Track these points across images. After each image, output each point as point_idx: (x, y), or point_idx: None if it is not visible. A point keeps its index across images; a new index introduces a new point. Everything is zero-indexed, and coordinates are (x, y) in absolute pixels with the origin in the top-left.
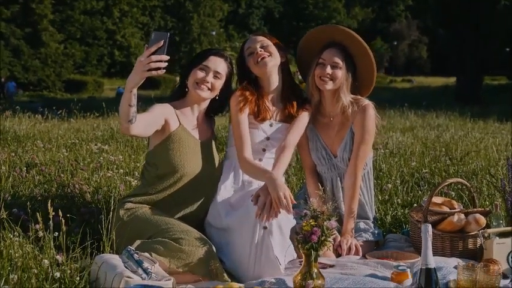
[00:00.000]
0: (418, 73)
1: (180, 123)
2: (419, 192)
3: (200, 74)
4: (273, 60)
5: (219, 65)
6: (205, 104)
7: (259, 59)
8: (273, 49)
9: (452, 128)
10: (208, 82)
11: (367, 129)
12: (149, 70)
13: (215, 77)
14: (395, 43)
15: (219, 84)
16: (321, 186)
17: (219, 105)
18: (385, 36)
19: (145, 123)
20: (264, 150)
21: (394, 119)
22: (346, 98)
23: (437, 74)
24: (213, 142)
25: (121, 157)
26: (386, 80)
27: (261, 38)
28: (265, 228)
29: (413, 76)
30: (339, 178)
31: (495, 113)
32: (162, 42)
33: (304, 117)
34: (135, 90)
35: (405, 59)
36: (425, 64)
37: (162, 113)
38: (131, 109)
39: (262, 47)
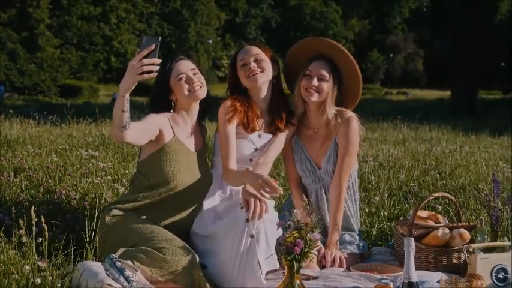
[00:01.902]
0: (413, 86)
1: (174, 135)
2: (406, 205)
3: (183, 83)
4: (264, 77)
5: (188, 65)
6: (196, 112)
7: (251, 75)
8: (267, 65)
9: (444, 141)
10: (194, 82)
11: (351, 141)
12: (141, 74)
13: (194, 74)
14: (392, 55)
15: (203, 78)
16: (305, 198)
17: (206, 104)
18: (382, 48)
19: (139, 132)
20: (251, 160)
21: (386, 131)
22: (331, 110)
23: (433, 87)
24: (205, 153)
25: (110, 164)
26: (381, 92)
27: (256, 50)
28: (252, 236)
29: (409, 89)
30: (323, 190)
31: (489, 127)
32: (153, 46)
33: (283, 136)
34: (127, 95)
35: (401, 72)
36: (421, 77)
37: (157, 123)
38: (124, 115)
39: (256, 61)
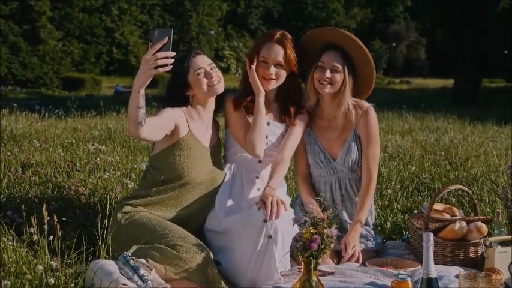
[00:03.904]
0: (416, 74)
1: (189, 129)
2: (419, 197)
3: (202, 77)
4: (278, 83)
5: (205, 60)
6: (212, 107)
7: (266, 77)
8: (284, 73)
9: (451, 131)
10: (213, 77)
11: (373, 131)
12: (156, 68)
13: (211, 69)
14: (394, 44)
15: (220, 73)
16: (322, 193)
17: (221, 99)
18: (384, 37)
19: (155, 127)
20: None
21: (392, 121)
22: (349, 101)
23: (435, 76)
24: (219, 147)
25: (118, 158)
26: (384, 81)
27: (280, 56)
28: (270, 237)
29: (412, 77)
30: (337, 182)
31: (494, 116)
32: (166, 39)
33: (298, 129)
34: (142, 91)
35: (403, 61)
36: (424, 66)
37: (173, 118)
38: (140, 111)
39: (276, 65)
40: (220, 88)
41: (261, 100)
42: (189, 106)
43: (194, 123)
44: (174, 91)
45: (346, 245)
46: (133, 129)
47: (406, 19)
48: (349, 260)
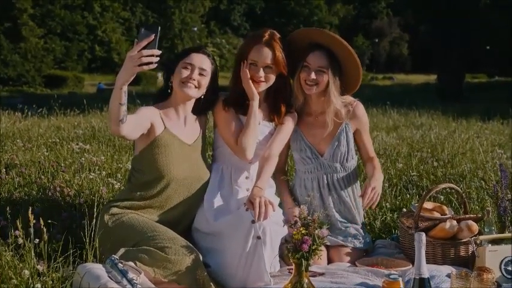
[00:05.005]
0: (399, 70)
1: (165, 127)
2: (408, 195)
3: (185, 72)
4: (268, 85)
5: (203, 61)
6: (190, 104)
7: (256, 80)
8: (273, 75)
9: (436, 127)
10: (194, 80)
11: (366, 122)
12: (140, 65)
13: (200, 74)
14: (377, 40)
15: (205, 81)
16: (310, 193)
17: (204, 105)
18: (367, 33)
19: (133, 125)
20: None
21: (377, 117)
22: (337, 101)
23: (418, 72)
24: (203, 144)
25: (103, 158)
26: (367, 77)
27: (269, 58)
28: (258, 238)
29: (394, 73)
30: (325, 177)
31: (477, 112)
32: (152, 36)
33: (288, 126)
34: (125, 88)
35: (386, 56)
36: (406, 61)
37: (148, 116)
38: (122, 108)
39: (265, 68)
40: (191, 92)
41: (255, 104)
42: (169, 99)
43: (170, 121)
44: (165, 72)
45: (366, 187)
46: (114, 126)
47: (389, 15)
48: (368, 203)
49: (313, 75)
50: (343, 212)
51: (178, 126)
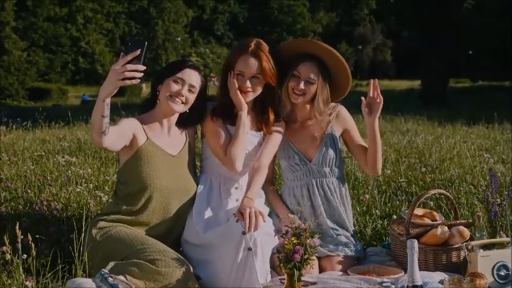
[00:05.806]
0: (382, 76)
1: (147, 137)
2: (397, 202)
3: (175, 87)
4: (255, 95)
5: (193, 78)
6: (175, 117)
7: (243, 90)
8: (260, 85)
9: (422, 132)
10: (182, 96)
11: (351, 120)
12: (123, 79)
13: (189, 90)
14: (360, 47)
15: (192, 97)
16: (301, 202)
17: (190, 118)
18: (350, 40)
19: (116, 137)
20: None
21: (362, 124)
22: (324, 110)
23: (401, 78)
24: (189, 155)
25: (90, 170)
26: (352, 84)
27: (256, 66)
28: (249, 249)
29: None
30: (314, 183)
31: (462, 116)
32: (138, 51)
33: (277, 136)
34: (108, 100)
35: (370, 63)
36: (390, 67)
37: (130, 127)
38: (104, 120)
39: (252, 78)
40: (178, 108)
41: (244, 114)
42: (153, 110)
43: (153, 132)
44: (154, 81)
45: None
46: (96, 138)
47: (372, 22)
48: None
49: (302, 85)
50: (334, 216)
51: (162, 137)
